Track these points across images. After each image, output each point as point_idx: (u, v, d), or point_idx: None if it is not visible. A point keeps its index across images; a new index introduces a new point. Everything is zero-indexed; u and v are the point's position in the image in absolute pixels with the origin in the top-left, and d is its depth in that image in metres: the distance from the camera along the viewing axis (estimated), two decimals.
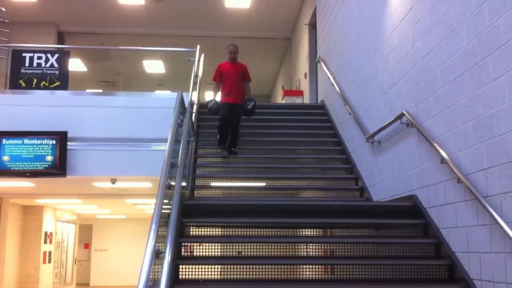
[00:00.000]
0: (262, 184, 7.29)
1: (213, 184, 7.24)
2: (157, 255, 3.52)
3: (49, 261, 15.58)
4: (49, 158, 8.14)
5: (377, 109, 6.61)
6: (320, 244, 5.55)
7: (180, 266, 4.58)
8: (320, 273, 5.26)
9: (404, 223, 5.30)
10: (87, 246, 21.51)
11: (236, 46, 8.06)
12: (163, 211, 3.96)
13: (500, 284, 3.81)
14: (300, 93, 12.13)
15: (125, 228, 20.66)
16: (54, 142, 8.12)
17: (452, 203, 4.58)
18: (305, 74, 11.96)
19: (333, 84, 8.77)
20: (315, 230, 6.19)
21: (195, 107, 8.16)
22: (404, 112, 5.52)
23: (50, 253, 15.63)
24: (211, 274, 4.75)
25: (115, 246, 20.80)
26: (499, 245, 3.81)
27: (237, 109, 7.86)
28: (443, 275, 4.57)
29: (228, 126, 7.83)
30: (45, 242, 15.22)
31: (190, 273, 4.63)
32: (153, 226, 3.52)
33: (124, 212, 18.49)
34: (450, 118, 4.68)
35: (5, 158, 8.02)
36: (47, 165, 8.13)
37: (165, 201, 4.21)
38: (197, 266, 4.68)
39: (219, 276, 5.04)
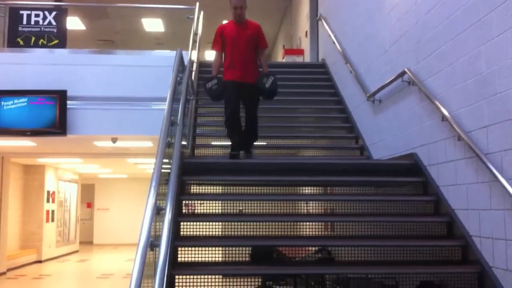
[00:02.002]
0: (263, 143, 7.29)
1: (213, 143, 7.24)
2: (158, 211, 3.54)
3: (52, 220, 15.75)
4: (49, 116, 8.12)
5: (378, 68, 6.55)
6: (320, 202, 5.60)
7: (181, 223, 4.62)
8: (320, 230, 5.33)
9: (403, 181, 5.32)
10: (89, 205, 21.71)
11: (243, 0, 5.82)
12: (163, 170, 3.97)
13: (499, 241, 3.84)
14: (300, 52, 12.00)
15: (127, 188, 20.80)
16: (53, 100, 8.08)
17: (452, 161, 4.59)
18: (306, 32, 11.81)
19: (334, 43, 8.67)
20: (315, 188, 6.22)
21: (194, 65, 8.08)
22: (406, 69, 5.47)
23: (52, 212, 15.79)
24: (212, 231, 4.81)
25: (117, 205, 20.99)
26: (499, 202, 3.83)
27: (249, 91, 5.76)
28: (442, 231, 4.61)
29: (238, 118, 5.84)
30: (48, 201, 15.36)
31: (191, 230, 4.68)
32: (153, 183, 3.53)
33: (125, 172, 18.59)
34: (451, 75, 4.64)
35: (5, 117, 8.00)
36: (47, 124, 8.12)
37: (165, 160, 4.21)
38: (198, 223, 4.72)
39: (220, 233, 5.10)
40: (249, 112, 5.81)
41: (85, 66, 8.39)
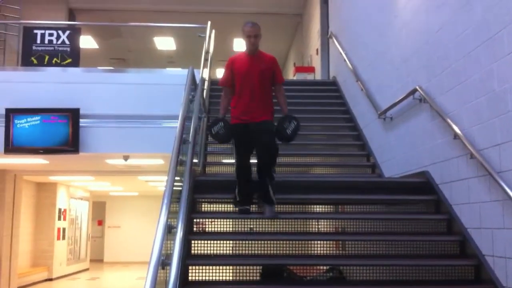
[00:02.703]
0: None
1: (224, 161, 7.25)
2: (169, 230, 3.54)
3: (63, 238, 15.78)
4: (62, 134, 8.18)
5: (389, 85, 6.55)
6: (331, 220, 5.57)
7: (192, 242, 4.62)
8: (331, 248, 5.29)
9: (416, 199, 5.28)
10: (100, 223, 21.72)
11: (257, 27, 5.01)
12: (175, 188, 3.98)
13: None
14: (311, 70, 12.04)
15: (138, 205, 20.81)
16: (66, 119, 8.15)
17: (464, 179, 4.55)
18: (317, 50, 11.86)
19: (345, 60, 8.69)
20: (326, 206, 6.19)
21: (206, 83, 8.13)
22: (417, 87, 5.47)
23: (64, 229, 15.82)
24: (223, 249, 4.79)
25: (128, 223, 21.00)
26: None
27: (262, 133, 4.86)
28: (455, 250, 4.56)
29: (250, 168, 5.04)
30: (59, 218, 15.40)
31: (202, 248, 4.67)
32: (165, 201, 3.53)
33: (136, 189, 18.62)
34: (463, 93, 4.62)
35: (18, 135, 8.06)
36: (59, 142, 8.18)
37: (177, 178, 4.23)
38: (209, 242, 4.72)
39: (231, 251, 5.08)
40: (263, 159, 4.89)
41: (98, 85, 8.45)
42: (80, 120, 8.14)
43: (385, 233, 5.09)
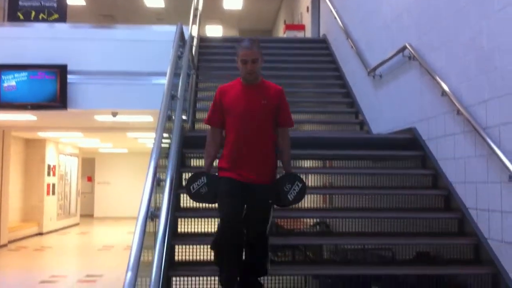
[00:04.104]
0: None
1: None
2: (158, 183, 3.58)
3: (53, 193, 15.85)
4: (50, 90, 8.13)
5: (379, 43, 6.54)
6: (319, 175, 5.64)
7: (182, 195, 4.67)
8: (319, 203, 5.38)
9: (402, 155, 5.36)
10: (90, 179, 21.80)
11: (256, 48, 3.60)
12: (164, 145, 4.00)
13: (495, 213, 3.90)
14: (302, 27, 11.95)
15: (127, 162, 20.85)
16: (54, 75, 8.09)
17: (451, 135, 4.62)
18: (307, 8, 11.75)
19: (335, 18, 8.63)
20: (315, 161, 6.26)
21: (195, 40, 8.07)
22: (407, 45, 5.47)
23: (53, 185, 15.88)
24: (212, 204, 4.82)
25: (118, 180, 21.07)
26: (496, 175, 3.88)
27: (257, 196, 3.55)
28: (440, 204, 4.67)
29: (241, 236, 3.52)
30: (48, 174, 15.44)
31: (192, 201, 4.70)
32: (155, 149, 3.57)
33: (126, 146, 18.64)
34: (452, 51, 4.64)
35: (6, 91, 8.01)
36: (47, 98, 8.14)
37: (166, 135, 4.25)
38: None
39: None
40: (254, 227, 3.54)
41: (86, 41, 8.37)
42: (68, 76, 8.08)
43: (372, 188, 5.18)
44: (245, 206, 3.52)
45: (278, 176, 3.71)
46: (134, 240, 2.78)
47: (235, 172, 3.53)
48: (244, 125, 3.58)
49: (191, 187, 3.64)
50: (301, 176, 3.77)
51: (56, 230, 15.83)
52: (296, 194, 3.63)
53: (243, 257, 3.59)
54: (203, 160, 5.66)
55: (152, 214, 3.30)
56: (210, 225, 4.53)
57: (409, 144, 5.31)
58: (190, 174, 5.33)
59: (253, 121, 3.58)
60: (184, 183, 5.01)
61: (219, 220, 3.58)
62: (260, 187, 3.53)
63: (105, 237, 15.08)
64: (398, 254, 4.54)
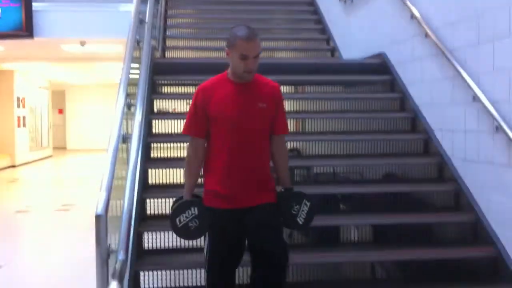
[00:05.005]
0: None
1: (185, 44, 7.17)
2: (129, 107, 3.59)
3: (24, 125, 15.69)
4: (15, 19, 7.91)
5: None
6: (291, 101, 5.69)
7: (154, 121, 4.68)
8: (291, 128, 5.45)
9: (372, 80, 5.42)
10: (61, 111, 21.57)
11: (259, 41, 2.76)
12: (134, 74, 3.96)
13: (459, 133, 4.03)
14: None
15: (99, 94, 20.64)
16: (18, 2, 7.84)
17: (418, 59, 4.68)
18: None
19: None
20: (286, 87, 6.29)
21: None
22: None
23: (24, 117, 15.69)
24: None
25: (90, 112, 20.91)
26: (461, 95, 3.97)
27: (261, 229, 2.79)
28: (407, 126, 4.78)
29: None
30: (18, 106, 15.23)
31: (164, 127, 4.74)
32: (124, 75, 3.56)
33: (96, 78, 18.37)
34: None
35: None
36: (13, 27, 7.93)
37: (136, 65, 4.19)
38: (170, 120, 4.77)
39: None
40: (267, 272, 2.73)
41: None
42: (33, 4, 7.86)
43: (342, 111, 5.26)
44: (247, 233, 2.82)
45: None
46: (106, 160, 2.80)
47: (231, 198, 2.82)
48: (239, 136, 2.81)
49: (177, 220, 2.80)
50: None
51: (29, 163, 15.79)
52: (306, 216, 2.92)
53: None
54: (175, 88, 5.74)
55: (124, 137, 3.33)
56: (183, 152, 4.55)
57: (378, 69, 5.36)
58: (161, 102, 5.39)
59: (249, 130, 2.83)
60: (156, 109, 5.02)
61: (207, 258, 2.89)
62: (263, 208, 2.82)
63: (78, 168, 15.11)
64: (367, 175, 4.69)
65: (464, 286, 3.54)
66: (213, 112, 2.81)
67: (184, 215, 2.79)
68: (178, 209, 2.81)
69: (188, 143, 2.90)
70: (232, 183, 2.82)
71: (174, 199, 3.07)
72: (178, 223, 2.79)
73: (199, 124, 2.85)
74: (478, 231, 3.75)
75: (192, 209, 2.80)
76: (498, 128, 3.47)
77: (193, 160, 2.89)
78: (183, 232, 2.82)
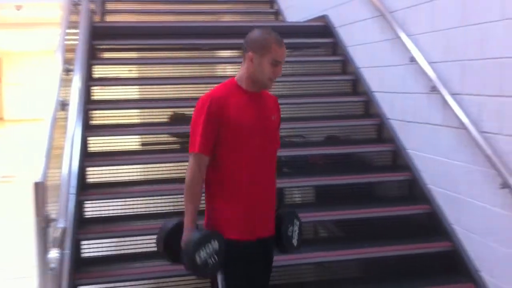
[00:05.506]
0: (178, 7, 7.11)
1: (127, 7, 6.98)
2: (67, 72, 3.49)
3: None
4: None
5: None
6: (236, 65, 5.66)
7: (92, 88, 4.53)
8: None
9: (314, 42, 5.44)
10: None
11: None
12: (74, 42, 3.83)
13: (398, 94, 4.13)
14: None
15: (38, 62, 19.90)
16: None
17: (359, 21, 4.73)
18: None
19: None
20: (232, 51, 6.26)
21: None
22: None
23: None
24: (127, 95, 4.76)
25: (29, 80, 20.17)
26: (400, 58, 4.05)
27: (271, 255, 2.67)
28: (348, 89, 4.86)
29: None
30: None
31: (103, 94, 4.63)
32: (61, 38, 3.46)
33: (35, 45, 17.73)
34: None
35: None
36: None
37: (76, 31, 4.04)
38: (111, 87, 4.67)
39: (137, 96, 5.10)
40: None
41: None
42: None
43: (284, 75, 5.26)
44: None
45: None
46: (44, 128, 2.74)
47: (254, 229, 2.50)
48: (261, 151, 2.51)
49: (197, 257, 2.32)
50: None
51: None
52: (297, 236, 2.65)
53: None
54: (116, 53, 5.59)
55: (63, 103, 3.25)
56: (126, 117, 4.46)
57: (321, 32, 5.39)
58: (101, 68, 5.21)
59: (268, 142, 2.56)
60: (95, 75, 4.86)
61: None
62: (270, 241, 2.60)
63: (17, 138, 14.65)
64: (309, 138, 4.76)
65: (403, 240, 3.67)
66: (233, 121, 2.42)
67: (205, 250, 2.33)
68: (198, 243, 2.33)
69: (190, 161, 2.44)
70: (257, 212, 2.48)
71: (162, 223, 2.62)
72: (198, 260, 2.31)
73: (211, 139, 2.42)
74: (415, 189, 3.89)
75: (213, 242, 2.36)
76: (434, 88, 3.57)
77: (197, 181, 2.43)
78: (202, 269, 2.35)
